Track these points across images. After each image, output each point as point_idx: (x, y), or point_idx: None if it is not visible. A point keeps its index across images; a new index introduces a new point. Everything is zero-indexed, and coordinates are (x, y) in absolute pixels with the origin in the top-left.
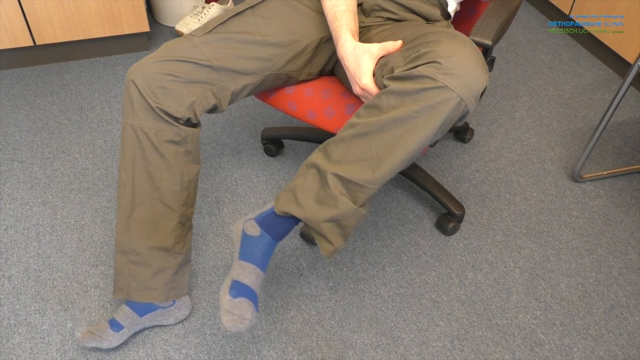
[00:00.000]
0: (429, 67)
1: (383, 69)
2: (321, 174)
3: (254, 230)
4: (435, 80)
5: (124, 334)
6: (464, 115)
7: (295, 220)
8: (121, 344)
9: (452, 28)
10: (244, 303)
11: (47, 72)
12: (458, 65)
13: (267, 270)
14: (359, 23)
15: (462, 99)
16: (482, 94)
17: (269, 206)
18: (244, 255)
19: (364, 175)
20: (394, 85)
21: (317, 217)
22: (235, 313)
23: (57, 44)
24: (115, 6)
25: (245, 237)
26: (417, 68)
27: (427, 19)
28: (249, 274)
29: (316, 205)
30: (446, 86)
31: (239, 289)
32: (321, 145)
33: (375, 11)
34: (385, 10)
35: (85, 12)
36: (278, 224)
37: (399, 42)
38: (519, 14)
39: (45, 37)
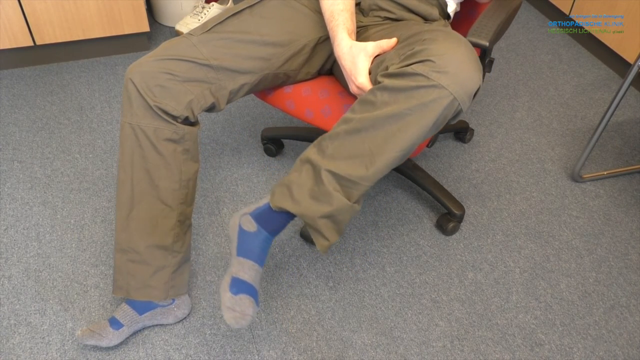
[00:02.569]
0: (423, 65)
1: (379, 68)
2: (315, 170)
3: (251, 226)
4: (428, 78)
5: (124, 332)
6: (457, 114)
7: (291, 215)
8: (121, 344)
9: (449, 28)
10: (245, 299)
11: (47, 72)
12: (451, 63)
13: (267, 270)
14: (357, 23)
15: (455, 97)
16: (475, 94)
17: (264, 201)
18: (242, 252)
19: (357, 172)
20: (387, 82)
21: (312, 212)
22: (237, 310)
23: (57, 44)
24: (115, 6)
25: (242, 232)
26: (411, 66)
27: (425, 19)
28: (247, 270)
29: (311, 201)
30: (439, 84)
31: (239, 286)
32: (316, 140)
33: (373, 10)
34: (383, 9)
35: (85, 12)
36: (274, 219)
37: (394, 40)
38: (519, 14)
39: (45, 37)
